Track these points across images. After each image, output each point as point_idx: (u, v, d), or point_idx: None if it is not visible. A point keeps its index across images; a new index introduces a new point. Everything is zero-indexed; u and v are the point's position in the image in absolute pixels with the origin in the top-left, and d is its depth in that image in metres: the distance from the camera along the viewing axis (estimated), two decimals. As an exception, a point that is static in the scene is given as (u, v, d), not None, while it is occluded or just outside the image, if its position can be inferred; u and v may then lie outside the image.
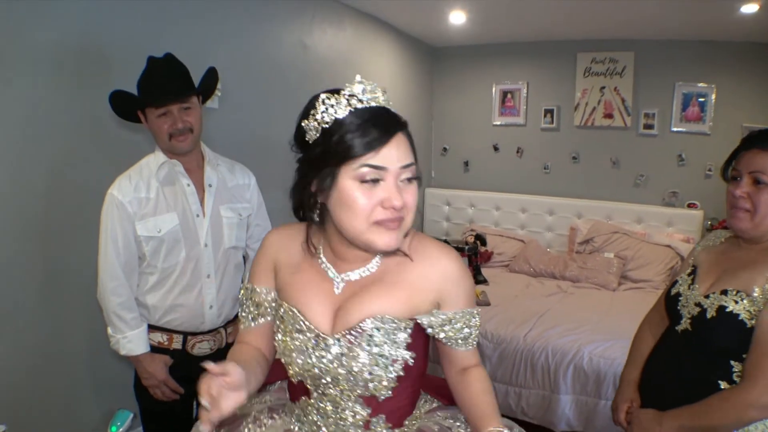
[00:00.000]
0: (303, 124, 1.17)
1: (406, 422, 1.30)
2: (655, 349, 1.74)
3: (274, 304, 1.32)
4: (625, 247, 4.74)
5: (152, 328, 2.07)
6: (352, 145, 1.08)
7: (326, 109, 1.12)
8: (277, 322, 1.27)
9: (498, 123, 5.79)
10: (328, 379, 1.20)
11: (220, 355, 2.15)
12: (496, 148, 5.82)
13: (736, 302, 1.44)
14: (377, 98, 1.17)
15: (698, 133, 4.89)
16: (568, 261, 4.87)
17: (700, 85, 4.90)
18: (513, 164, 5.76)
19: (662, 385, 1.63)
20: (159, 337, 2.07)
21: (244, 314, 1.35)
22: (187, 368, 2.04)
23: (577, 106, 5.35)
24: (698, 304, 1.53)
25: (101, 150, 2.61)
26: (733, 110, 4.79)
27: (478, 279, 4.54)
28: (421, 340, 1.27)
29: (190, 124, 1.98)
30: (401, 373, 1.19)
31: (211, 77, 2.14)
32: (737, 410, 1.39)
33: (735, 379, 1.46)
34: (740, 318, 1.42)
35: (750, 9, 3.77)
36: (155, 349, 2.06)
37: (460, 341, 1.27)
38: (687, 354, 1.55)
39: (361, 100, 1.14)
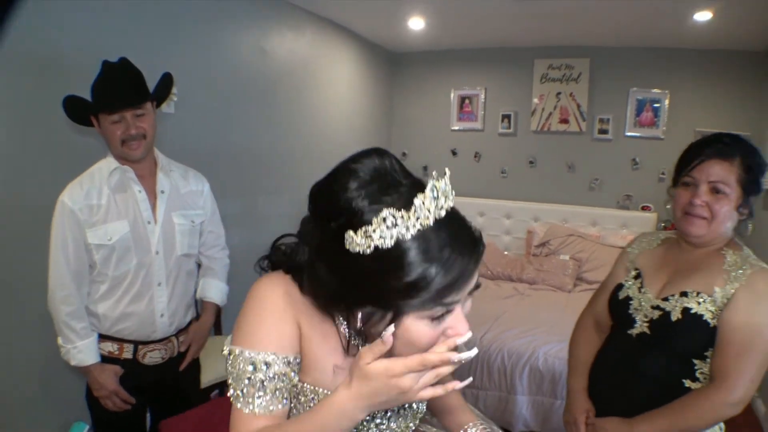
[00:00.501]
0: (347, 236, 0.88)
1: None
2: (603, 354, 1.75)
3: (294, 369, 1.02)
4: (580, 250, 4.82)
5: (103, 337, 2.02)
6: (433, 287, 0.84)
7: (388, 227, 0.84)
8: (298, 397, 1.05)
9: (456, 128, 5.84)
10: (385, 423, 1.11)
11: (171, 364, 2.14)
12: (454, 153, 5.87)
13: (699, 303, 1.49)
14: (447, 202, 0.92)
15: (652, 138, 5.00)
16: (525, 264, 4.92)
17: (654, 91, 5.02)
18: (471, 169, 5.82)
19: (619, 390, 1.64)
20: (109, 347, 2.03)
21: (244, 394, 0.98)
22: (138, 378, 2.03)
23: (534, 111, 5.43)
24: (657, 307, 1.56)
25: (52, 155, 2.55)
26: (686, 115, 4.92)
27: (437, 282, 4.54)
28: None
29: (143, 130, 1.95)
30: None
31: (165, 82, 2.11)
32: (714, 410, 1.44)
33: (698, 376, 1.51)
34: (704, 318, 1.47)
35: (703, 17, 3.88)
36: (106, 358, 2.02)
37: None
38: (645, 356, 1.58)
39: (429, 210, 0.87)
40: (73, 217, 1.89)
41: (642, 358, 1.58)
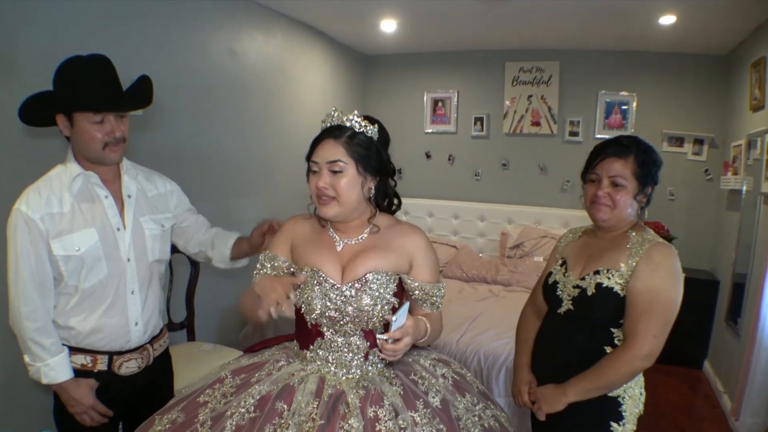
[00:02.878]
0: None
1: None
2: (540, 332, 2.02)
3: (286, 270, 1.74)
4: (553, 251, 4.85)
5: (74, 350, 1.89)
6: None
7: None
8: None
9: (430, 131, 5.86)
10: (341, 316, 1.60)
11: (147, 372, 2.03)
12: (428, 156, 5.89)
13: (609, 278, 1.76)
14: (330, 118, 1.66)
15: None
16: (499, 266, 4.95)
17: (622, 93, 5.11)
18: (445, 171, 5.84)
19: (553, 362, 1.89)
20: (82, 360, 1.90)
21: (261, 271, 1.76)
22: (115, 390, 1.93)
23: (506, 114, 5.48)
24: (576, 287, 1.83)
25: (2, 159, 2.46)
26: (653, 117, 5.03)
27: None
28: (401, 295, 1.72)
29: (124, 133, 1.86)
30: (390, 313, 1.60)
31: (146, 87, 1.98)
32: (627, 364, 1.68)
33: (616, 343, 1.77)
34: (614, 290, 1.74)
35: (667, 21, 3.96)
36: (79, 372, 1.89)
37: (425, 305, 1.73)
38: (572, 330, 1.84)
39: (323, 121, 1.67)
40: (33, 226, 1.76)
41: (570, 332, 1.85)
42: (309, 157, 1.66)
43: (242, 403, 1.53)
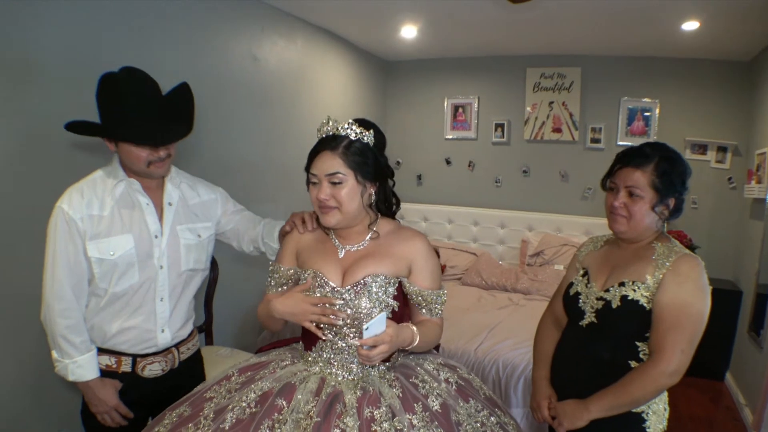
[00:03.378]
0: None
1: (393, 356, 1.77)
2: (561, 346, 1.96)
3: (292, 277, 1.82)
4: (574, 259, 4.80)
5: (99, 350, 1.91)
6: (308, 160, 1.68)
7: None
8: (302, 283, 1.74)
9: (450, 137, 5.84)
10: (341, 318, 1.65)
11: (173, 375, 2.03)
12: (448, 162, 5.87)
13: (635, 290, 1.70)
14: (325, 128, 1.67)
15: None
16: (519, 273, 4.91)
17: (645, 100, 5.04)
18: (465, 178, 5.82)
19: (575, 376, 1.84)
20: (107, 360, 1.92)
21: (270, 284, 1.85)
22: (138, 392, 1.94)
23: (527, 120, 5.44)
24: (601, 298, 1.77)
25: (41, 160, 2.51)
26: (676, 124, 4.95)
27: (431, 292, 4.52)
28: (402, 298, 1.75)
29: (169, 150, 1.88)
30: (390, 316, 1.68)
31: (188, 106, 1.96)
32: (654, 381, 1.62)
33: (642, 357, 1.71)
34: (640, 303, 1.69)
35: (691, 26, 3.90)
36: (103, 372, 1.91)
37: (423, 310, 1.75)
38: (595, 343, 1.78)
39: (318, 130, 1.68)
40: (73, 225, 1.78)
41: (592, 345, 1.79)
42: (308, 169, 1.69)
43: (244, 398, 1.58)
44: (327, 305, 1.65)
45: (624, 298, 1.71)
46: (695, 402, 4.11)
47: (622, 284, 1.73)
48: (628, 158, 1.78)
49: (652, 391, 1.65)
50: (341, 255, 1.74)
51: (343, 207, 1.65)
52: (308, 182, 1.70)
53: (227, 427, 1.50)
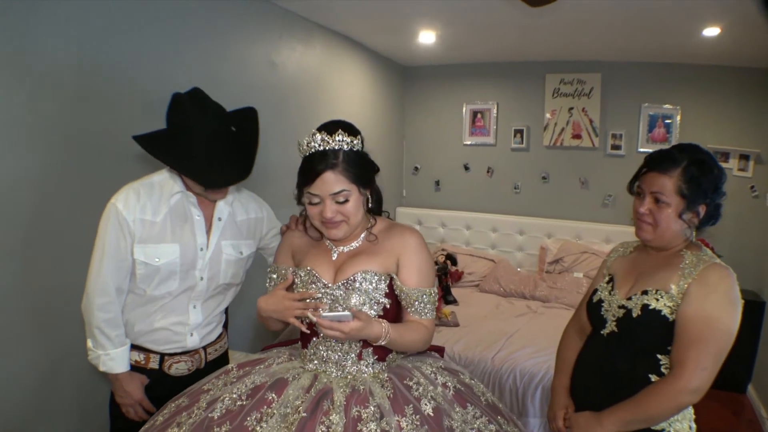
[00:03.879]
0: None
1: (389, 357, 1.76)
2: (582, 354, 1.88)
3: (291, 276, 1.80)
4: (594, 267, 4.74)
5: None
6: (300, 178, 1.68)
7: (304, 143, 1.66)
8: (297, 281, 1.77)
9: (468, 143, 5.81)
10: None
11: (200, 374, 2.05)
12: (466, 168, 5.84)
13: (657, 300, 1.62)
14: (315, 143, 1.63)
15: None
16: (538, 281, 4.87)
17: (666, 106, 4.99)
18: (484, 184, 5.79)
19: (594, 387, 1.77)
20: (136, 356, 1.98)
21: (269, 283, 1.89)
22: (164, 388, 1.97)
23: (546, 126, 5.40)
24: (622, 307, 1.70)
25: (91, 161, 2.56)
26: (698, 131, 4.87)
27: (448, 299, 4.50)
28: (394, 296, 1.73)
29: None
30: (381, 313, 1.69)
31: (253, 119, 2.03)
32: (672, 398, 1.55)
33: (663, 371, 1.63)
34: (663, 314, 1.60)
35: (712, 32, 3.84)
36: (132, 367, 1.97)
37: (413, 310, 1.73)
38: (615, 354, 1.71)
39: (309, 144, 1.64)
40: (125, 225, 1.82)
41: (612, 355, 1.72)
42: (302, 186, 1.68)
43: (235, 389, 1.62)
44: (309, 300, 1.68)
45: (645, 307, 1.63)
46: (717, 415, 4.03)
47: (645, 293, 1.65)
48: (654, 162, 1.69)
49: (669, 408, 1.57)
50: (335, 257, 1.77)
51: (351, 219, 1.67)
52: (299, 197, 1.72)
53: (216, 417, 1.54)
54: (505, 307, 4.49)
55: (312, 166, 1.62)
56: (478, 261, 5.34)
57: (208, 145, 1.81)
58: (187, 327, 2.00)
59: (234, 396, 1.60)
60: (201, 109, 1.84)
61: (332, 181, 1.61)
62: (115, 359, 1.91)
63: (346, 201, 1.64)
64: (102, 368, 1.91)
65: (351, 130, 1.68)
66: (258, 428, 1.48)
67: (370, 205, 1.75)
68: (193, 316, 2.01)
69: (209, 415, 1.55)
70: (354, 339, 1.63)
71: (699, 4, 3.33)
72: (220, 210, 2.02)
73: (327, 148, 1.61)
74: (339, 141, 1.61)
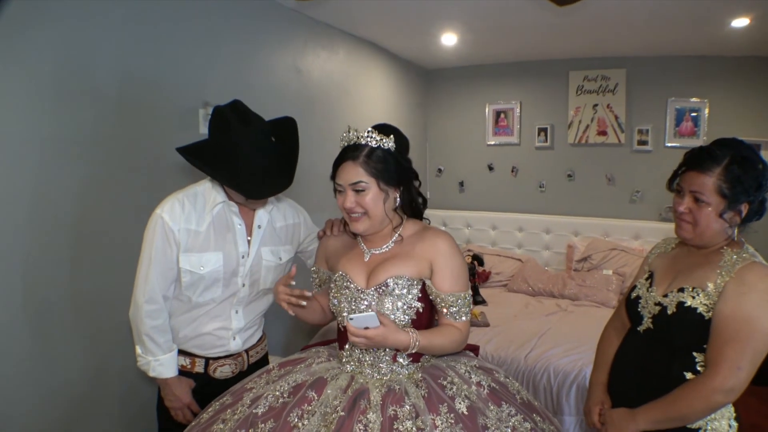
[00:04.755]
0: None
1: (423, 357, 1.79)
2: (620, 351, 1.88)
3: (327, 279, 1.93)
4: (623, 264, 4.72)
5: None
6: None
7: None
8: (332, 285, 1.83)
9: (492, 143, 5.81)
10: None
11: (241, 377, 2.10)
12: (491, 168, 5.83)
13: (693, 297, 1.60)
14: (348, 138, 1.73)
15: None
16: (566, 279, 4.84)
17: (693, 100, 4.93)
18: (508, 183, 5.77)
19: (630, 384, 1.76)
20: (182, 360, 2.04)
21: (313, 284, 2.01)
22: (209, 391, 2.02)
23: (571, 124, 5.37)
24: (658, 304, 1.69)
25: (130, 171, 2.64)
26: (726, 124, 4.80)
27: (477, 299, 4.49)
28: (427, 299, 1.77)
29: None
30: (414, 317, 1.73)
31: (293, 140, 2.08)
32: (704, 397, 1.53)
33: (699, 369, 1.60)
34: (698, 311, 1.58)
35: (741, 23, 3.80)
36: (178, 372, 2.03)
37: (447, 314, 1.75)
38: (651, 351, 1.71)
39: (341, 140, 1.75)
40: (171, 236, 1.88)
41: (648, 352, 1.72)
42: (333, 178, 1.78)
43: (278, 387, 1.68)
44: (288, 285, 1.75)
45: (681, 304, 1.61)
46: (756, 411, 3.97)
47: (681, 290, 1.63)
48: (694, 160, 1.66)
49: (702, 408, 1.55)
50: (367, 258, 1.81)
51: (370, 213, 1.72)
52: (335, 191, 1.79)
53: (260, 413, 1.60)
54: (535, 307, 4.47)
55: (338, 157, 1.75)
56: (506, 261, 5.32)
57: (251, 157, 1.86)
58: (230, 331, 2.05)
59: (277, 393, 1.66)
60: (242, 121, 1.87)
61: (351, 172, 1.69)
62: (164, 364, 1.96)
63: (364, 192, 1.70)
64: (152, 374, 1.96)
65: (385, 130, 1.74)
66: (300, 425, 1.54)
67: (397, 204, 1.79)
68: (235, 321, 2.06)
69: (253, 411, 1.61)
70: (380, 346, 1.66)
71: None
72: (259, 218, 2.06)
73: (355, 142, 1.71)
74: (366, 137, 1.70)
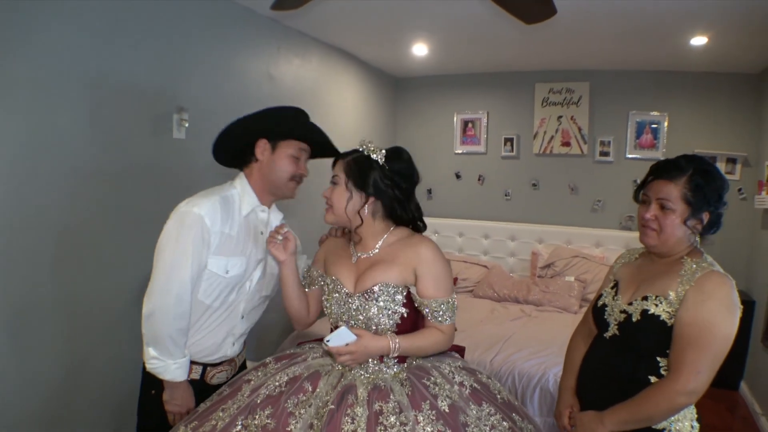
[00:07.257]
0: None
1: (408, 360, 1.87)
2: (587, 356, 1.95)
3: (319, 279, 2.00)
4: (585, 271, 4.86)
5: None
6: None
7: None
8: (325, 288, 1.94)
9: (460, 151, 5.92)
10: (354, 323, 1.80)
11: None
12: (458, 176, 5.94)
13: (656, 305, 1.68)
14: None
15: (652, 160, 4.96)
16: (530, 285, 4.95)
17: (653, 113, 5.12)
18: (475, 191, 5.88)
19: (597, 387, 1.84)
20: None
21: (305, 282, 2.04)
22: (203, 397, 2.00)
23: (536, 134, 5.51)
24: (623, 311, 1.77)
25: (104, 173, 2.65)
26: (685, 137, 5.00)
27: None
28: (412, 305, 1.84)
29: (306, 174, 2.06)
30: (399, 322, 1.80)
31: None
32: (667, 399, 1.61)
33: (662, 373, 1.68)
34: (661, 318, 1.66)
35: (699, 41, 3.98)
36: None
37: (431, 318, 1.82)
38: (617, 356, 1.78)
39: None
40: (207, 237, 1.87)
41: (614, 358, 1.79)
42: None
43: (277, 377, 1.78)
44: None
45: (645, 312, 1.69)
46: (712, 412, 4.13)
47: (645, 298, 1.71)
48: (661, 170, 1.75)
49: (666, 409, 1.63)
50: (354, 260, 1.90)
51: (333, 207, 1.84)
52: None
53: (259, 401, 1.69)
54: (500, 312, 4.56)
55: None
56: (472, 267, 5.41)
57: (298, 118, 2.08)
58: (233, 337, 2.07)
59: (275, 384, 1.75)
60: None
61: (337, 167, 1.87)
62: (181, 367, 1.92)
63: (335, 186, 1.85)
64: (167, 377, 1.91)
65: (392, 150, 1.88)
66: (296, 412, 1.64)
67: (375, 213, 1.86)
68: (239, 326, 2.08)
69: (254, 399, 1.70)
70: (365, 356, 1.77)
71: (688, 15, 3.46)
72: (271, 225, 2.09)
73: (356, 148, 1.88)
74: (362, 145, 1.86)
